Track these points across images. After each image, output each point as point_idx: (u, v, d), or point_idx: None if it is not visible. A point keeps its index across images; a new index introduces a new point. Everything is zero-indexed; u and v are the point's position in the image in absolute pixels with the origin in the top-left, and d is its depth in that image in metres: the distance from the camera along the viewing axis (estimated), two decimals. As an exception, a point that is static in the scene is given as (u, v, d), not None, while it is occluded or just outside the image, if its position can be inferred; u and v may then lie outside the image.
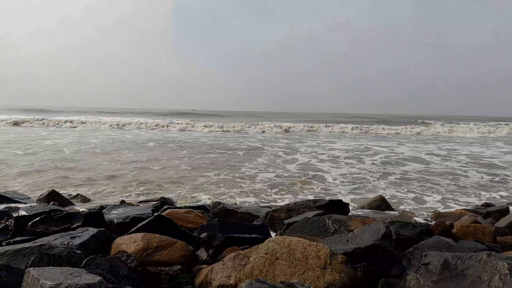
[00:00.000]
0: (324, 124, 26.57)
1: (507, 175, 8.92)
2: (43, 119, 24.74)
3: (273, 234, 3.10)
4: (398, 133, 23.89)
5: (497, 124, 32.17)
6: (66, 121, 24.32)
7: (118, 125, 23.96)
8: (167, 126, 24.11)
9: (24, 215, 2.90)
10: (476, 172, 9.47)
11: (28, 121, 23.75)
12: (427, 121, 38.21)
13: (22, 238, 2.48)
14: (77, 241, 2.24)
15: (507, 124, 32.36)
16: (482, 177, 8.67)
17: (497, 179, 8.43)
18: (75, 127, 23.10)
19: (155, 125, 24.23)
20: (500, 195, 6.95)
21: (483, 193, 7.15)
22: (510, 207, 4.27)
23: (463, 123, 32.64)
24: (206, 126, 23.98)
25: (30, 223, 2.65)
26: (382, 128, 25.78)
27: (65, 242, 2.23)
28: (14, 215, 3.13)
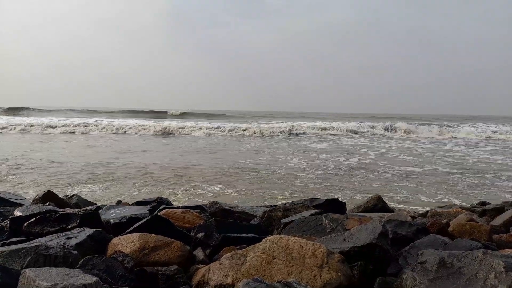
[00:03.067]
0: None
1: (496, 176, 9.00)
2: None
3: (270, 233, 3.10)
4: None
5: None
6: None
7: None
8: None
9: (20, 215, 2.88)
10: (465, 172, 9.55)
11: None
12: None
13: (18, 239, 2.46)
14: (73, 242, 2.23)
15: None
16: (471, 177, 8.74)
17: (486, 181, 8.50)
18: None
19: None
20: (493, 194, 7.00)
21: (476, 191, 7.20)
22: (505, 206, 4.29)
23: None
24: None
25: (25, 223, 2.64)
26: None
27: (61, 243, 2.22)
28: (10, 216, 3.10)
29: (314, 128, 22.72)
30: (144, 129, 21.17)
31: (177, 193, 6.59)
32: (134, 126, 21.45)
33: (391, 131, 22.95)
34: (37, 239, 2.35)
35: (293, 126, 23.17)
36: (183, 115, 41.76)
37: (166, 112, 44.12)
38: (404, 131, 22.86)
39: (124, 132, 20.51)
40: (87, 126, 21.22)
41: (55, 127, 20.97)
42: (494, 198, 6.42)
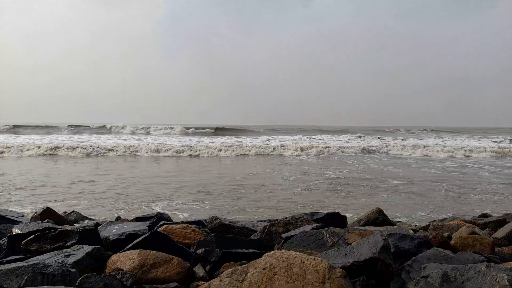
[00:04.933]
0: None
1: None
2: None
3: (271, 248, 3.06)
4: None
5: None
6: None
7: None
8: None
9: (18, 233, 2.85)
10: (458, 183, 9.53)
11: None
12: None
13: (15, 257, 2.43)
14: (71, 259, 2.21)
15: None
16: (467, 189, 8.70)
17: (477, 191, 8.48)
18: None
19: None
20: (490, 206, 6.97)
21: (474, 204, 7.16)
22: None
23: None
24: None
25: (23, 241, 2.61)
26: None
27: (60, 261, 2.19)
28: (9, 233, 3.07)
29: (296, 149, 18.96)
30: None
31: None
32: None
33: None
34: (35, 257, 2.33)
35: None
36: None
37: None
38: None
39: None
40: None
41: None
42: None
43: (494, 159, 16.77)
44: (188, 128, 38.32)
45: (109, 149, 17.77)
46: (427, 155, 18.07)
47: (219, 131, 38.82)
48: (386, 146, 20.82)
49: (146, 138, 26.61)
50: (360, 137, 30.67)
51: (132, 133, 35.49)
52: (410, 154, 18.37)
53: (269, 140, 25.18)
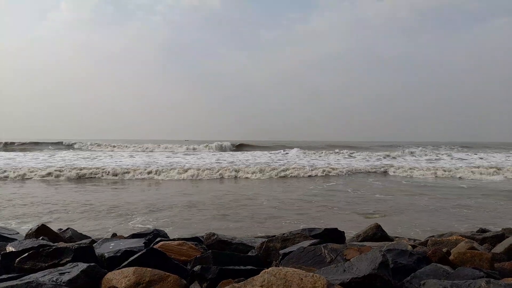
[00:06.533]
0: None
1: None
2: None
3: (269, 265, 3.03)
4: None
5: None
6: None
7: None
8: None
9: (12, 251, 2.81)
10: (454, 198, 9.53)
11: None
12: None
13: (8, 275, 2.39)
14: (66, 278, 2.17)
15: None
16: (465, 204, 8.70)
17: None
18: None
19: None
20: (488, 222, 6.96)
21: (472, 220, 7.15)
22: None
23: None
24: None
25: (17, 259, 2.57)
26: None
27: (54, 279, 2.15)
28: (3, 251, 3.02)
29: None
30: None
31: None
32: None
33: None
34: (29, 275, 2.29)
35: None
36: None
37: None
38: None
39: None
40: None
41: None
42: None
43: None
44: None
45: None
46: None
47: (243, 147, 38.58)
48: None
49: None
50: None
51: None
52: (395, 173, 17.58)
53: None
